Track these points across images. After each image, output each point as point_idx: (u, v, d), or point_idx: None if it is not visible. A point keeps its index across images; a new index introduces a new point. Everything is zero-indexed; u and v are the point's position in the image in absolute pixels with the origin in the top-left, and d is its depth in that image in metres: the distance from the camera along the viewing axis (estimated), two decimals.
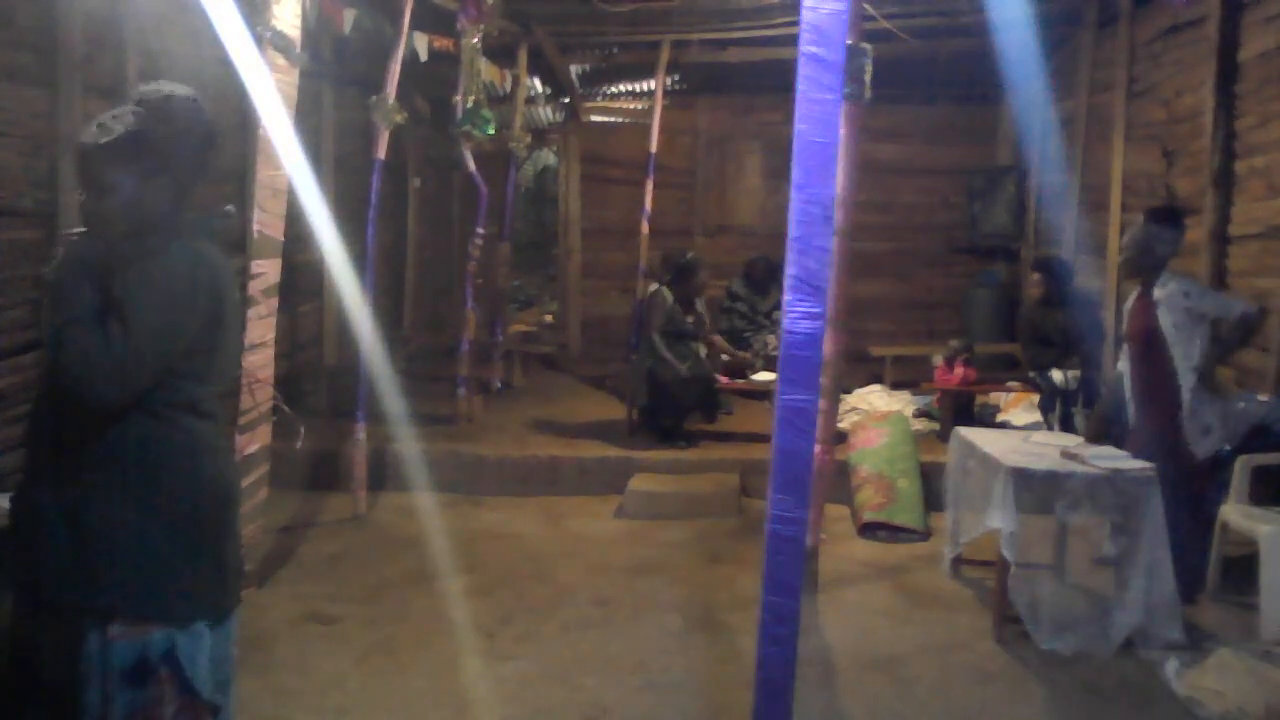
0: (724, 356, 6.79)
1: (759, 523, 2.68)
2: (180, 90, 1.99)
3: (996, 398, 6.70)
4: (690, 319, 6.43)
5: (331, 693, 3.26)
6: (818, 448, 3.65)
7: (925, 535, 4.99)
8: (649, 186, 7.89)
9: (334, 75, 7.31)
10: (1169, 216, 4.20)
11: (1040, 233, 8.19)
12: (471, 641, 3.68)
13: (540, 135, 10.45)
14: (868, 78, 3.69)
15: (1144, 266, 4.15)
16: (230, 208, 2.16)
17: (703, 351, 6.46)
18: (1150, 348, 4.11)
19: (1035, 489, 3.65)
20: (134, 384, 1.85)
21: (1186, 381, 4.01)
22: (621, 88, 9.63)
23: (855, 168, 3.84)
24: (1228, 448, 4.19)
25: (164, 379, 1.91)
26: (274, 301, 4.04)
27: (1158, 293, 4.10)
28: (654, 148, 7.89)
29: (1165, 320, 4.05)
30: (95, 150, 1.91)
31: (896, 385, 7.22)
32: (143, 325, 1.83)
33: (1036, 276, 6.15)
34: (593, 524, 5.22)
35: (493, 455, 5.84)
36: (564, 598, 4.15)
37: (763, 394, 6.35)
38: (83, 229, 1.96)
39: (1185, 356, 4.02)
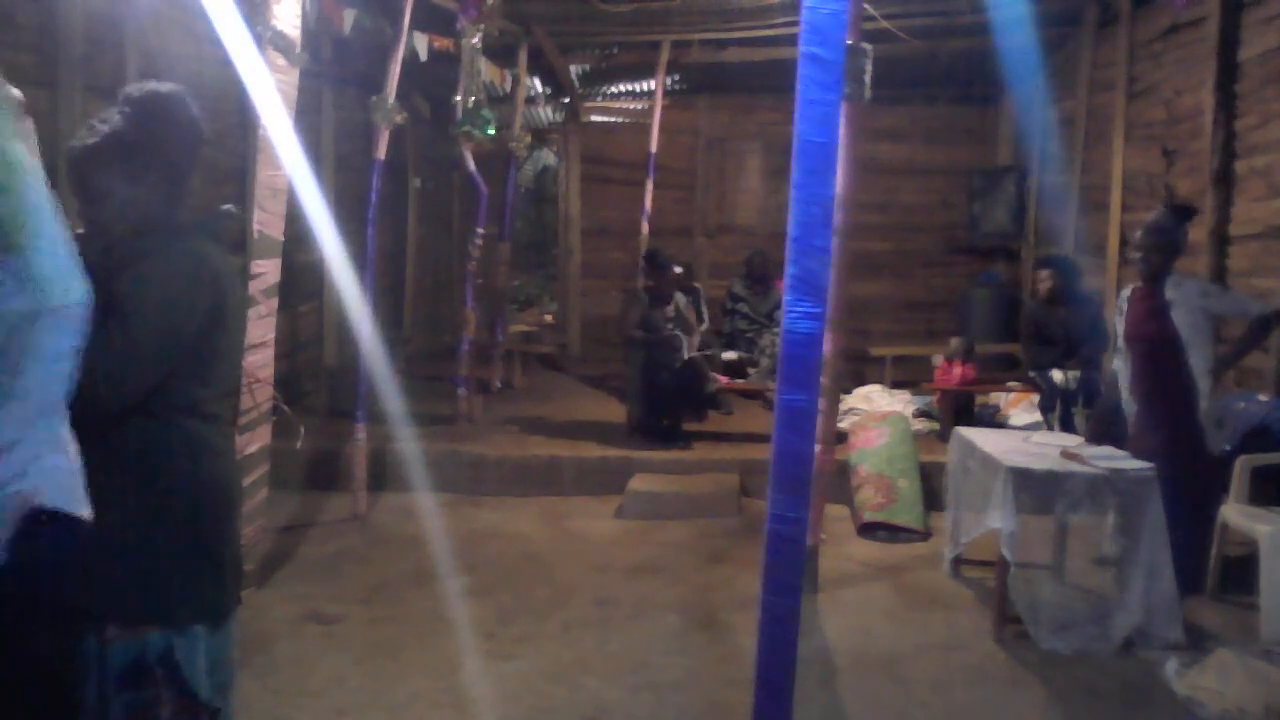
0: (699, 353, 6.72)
1: (759, 523, 2.68)
2: (165, 87, 1.98)
3: (996, 398, 6.70)
4: (669, 318, 6.38)
5: (331, 693, 3.26)
6: (818, 448, 3.64)
7: (925, 535, 4.99)
8: (649, 186, 7.90)
9: (334, 75, 7.30)
10: (1186, 214, 4.18)
11: (1040, 233, 8.19)
12: (471, 641, 3.67)
13: (540, 135, 10.45)
14: (868, 78, 3.69)
15: (1161, 263, 4.07)
16: (231, 207, 2.16)
17: (689, 341, 6.39)
18: (1161, 349, 4.05)
19: (1035, 489, 3.65)
20: (135, 387, 1.85)
21: (1205, 383, 3.96)
22: (621, 88, 9.63)
23: (855, 168, 3.84)
24: (1228, 447, 4.19)
25: (165, 381, 1.90)
26: (274, 301, 4.03)
27: (1170, 293, 4.04)
28: (654, 148, 7.89)
29: (1180, 321, 3.99)
30: (83, 154, 1.91)
31: (896, 385, 7.22)
32: (143, 327, 1.82)
33: (1045, 272, 6.12)
34: (593, 524, 5.21)
35: (493, 455, 5.84)
36: (564, 598, 4.15)
37: (761, 394, 6.33)
38: (82, 230, 1.96)
39: (1203, 359, 3.97)
